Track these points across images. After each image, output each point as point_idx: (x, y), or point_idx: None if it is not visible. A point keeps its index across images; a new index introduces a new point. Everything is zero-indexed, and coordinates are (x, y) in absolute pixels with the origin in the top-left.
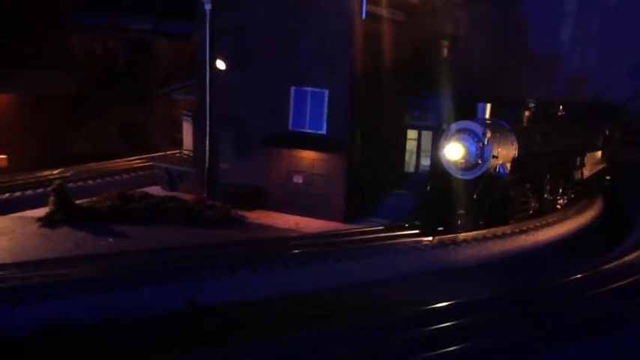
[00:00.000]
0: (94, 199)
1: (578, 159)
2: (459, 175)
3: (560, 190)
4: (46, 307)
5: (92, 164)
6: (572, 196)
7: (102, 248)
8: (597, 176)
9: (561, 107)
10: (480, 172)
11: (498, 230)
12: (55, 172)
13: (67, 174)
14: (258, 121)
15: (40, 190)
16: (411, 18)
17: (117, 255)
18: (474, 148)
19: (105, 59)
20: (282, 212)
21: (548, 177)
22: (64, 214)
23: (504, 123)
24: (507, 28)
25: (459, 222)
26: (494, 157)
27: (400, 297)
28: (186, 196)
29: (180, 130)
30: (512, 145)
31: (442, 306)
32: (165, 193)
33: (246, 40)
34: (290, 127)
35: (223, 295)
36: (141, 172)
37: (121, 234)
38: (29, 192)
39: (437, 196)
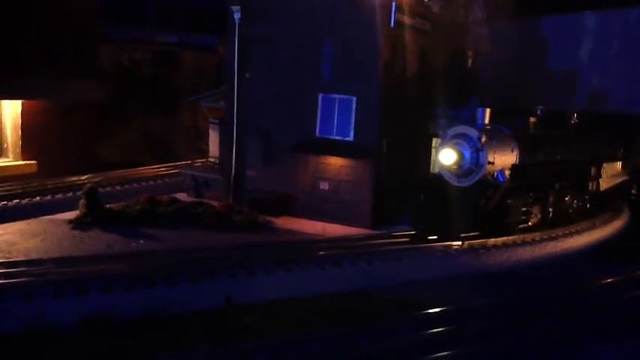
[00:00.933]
0: (123, 203)
1: (593, 169)
2: (455, 182)
3: (570, 201)
4: (86, 302)
5: (119, 171)
6: (587, 207)
7: (133, 249)
8: (618, 188)
9: (575, 116)
10: (475, 179)
11: (528, 237)
12: (84, 177)
13: (96, 180)
14: (285, 129)
15: (70, 194)
16: (436, 28)
17: (151, 254)
18: (468, 154)
19: (131, 70)
20: (309, 219)
21: (555, 187)
22: (94, 217)
23: (505, 129)
24: (526, 44)
25: (452, 230)
26: (489, 163)
27: (431, 298)
28: (213, 203)
29: (203, 139)
30: (513, 151)
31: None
32: (192, 200)
33: (274, 49)
34: (317, 134)
35: (257, 293)
36: (167, 180)
37: (152, 236)
38: (59, 196)
39: (431, 204)
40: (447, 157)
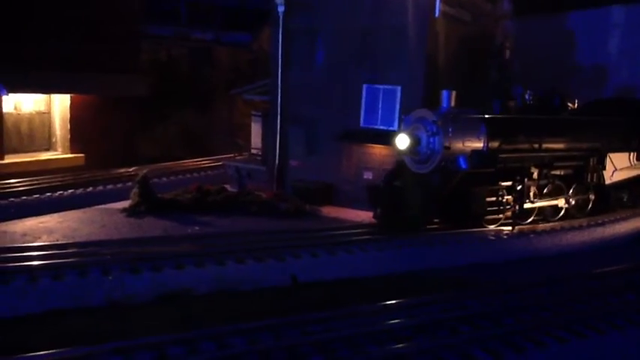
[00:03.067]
0: (174, 192)
1: (593, 160)
2: (414, 169)
3: (561, 194)
4: (161, 277)
5: (163, 164)
6: (589, 201)
7: (190, 235)
8: (632, 183)
9: (576, 102)
10: (433, 165)
11: (575, 223)
12: (131, 169)
13: (143, 171)
14: (329, 119)
15: (120, 185)
16: (475, 19)
17: (215, 236)
18: (425, 139)
19: (169, 66)
20: (353, 208)
21: (535, 177)
22: (147, 205)
23: (474, 112)
24: (554, 39)
25: (410, 220)
26: (445, 147)
27: (482, 277)
28: (260, 192)
29: (238, 134)
30: (479, 136)
31: None
32: (238, 190)
33: (318, 40)
34: (361, 124)
35: (321, 272)
36: (209, 172)
37: (205, 223)
38: (110, 186)
39: (391, 192)
40: (401, 142)
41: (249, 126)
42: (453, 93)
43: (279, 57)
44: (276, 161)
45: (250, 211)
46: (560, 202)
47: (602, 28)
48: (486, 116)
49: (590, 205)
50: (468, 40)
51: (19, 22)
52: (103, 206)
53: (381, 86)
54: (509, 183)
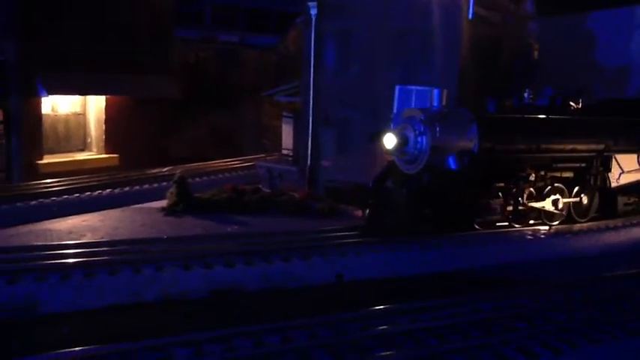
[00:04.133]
0: (209, 192)
1: (596, 162)
2: (404, 169)
3: (558, 197)
4: (213, 274)
5: (194, 164)
6: (593, 204)
7: (230, 234)
8: None
9: (580, 102)
10: (421, 165)
11: (611, 223)
12: (164, 169)
13: (176, 172)
14: (361, 120)
15: (155, 184)
16: (504, 20)
17: (255, 235)
18: (412, 138)
19: (197, 68)
20: None
21: (532, 179)
22: (185, 205)
23: (467, 112)
24: (576, 39)
25: (396, 224)
26: (433, 147)
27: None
28: (293, 193)
29: (265, 135)
30: (470, 136)
31: None
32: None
33: (350, 42)
34: (393, 125)
35: (365, 271)
36: (240, 172)
37: (242, 222)
38: (146, 186)
39: (380, 193)
40: (388, 141)
41: (276, 127)
42: (445, 92)
43: (312, 59)
44: (308, 162)
45: (285, 210)
46: (559, 205)
47: (625, 28)
48: (479, 115)
49: (593, 209)
50: (498, 41)
51: (57, 24)
52: (139, 205)
53: (413, 87)
54: (502, 184)
